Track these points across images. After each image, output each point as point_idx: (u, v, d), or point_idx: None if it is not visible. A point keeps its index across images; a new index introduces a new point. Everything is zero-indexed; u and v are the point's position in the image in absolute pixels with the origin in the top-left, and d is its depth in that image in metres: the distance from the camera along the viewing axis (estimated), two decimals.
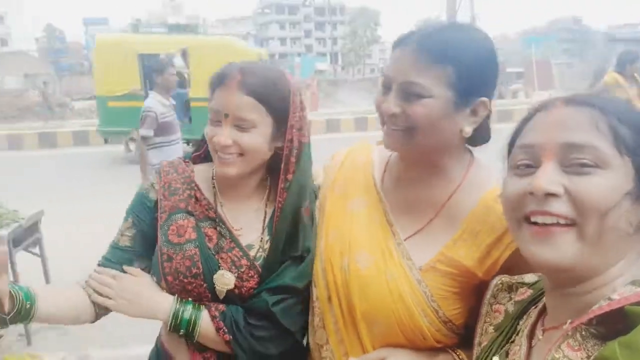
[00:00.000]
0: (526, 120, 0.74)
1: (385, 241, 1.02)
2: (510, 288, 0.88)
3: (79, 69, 43.29)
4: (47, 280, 3.63)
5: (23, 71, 29.55)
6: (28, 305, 1.00)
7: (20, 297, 0.99)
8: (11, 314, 0.97)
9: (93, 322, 1.18)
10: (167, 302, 1.12)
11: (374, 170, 1.12)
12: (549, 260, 0.65)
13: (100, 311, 1.16)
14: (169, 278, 1.13)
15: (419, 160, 1.03)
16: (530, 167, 0.69)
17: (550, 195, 0.64)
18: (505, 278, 0.90)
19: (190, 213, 1.16)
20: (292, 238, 1.14)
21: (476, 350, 0.87)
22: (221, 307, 1.13)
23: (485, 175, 1.02)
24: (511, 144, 0.75)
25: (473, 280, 0.97)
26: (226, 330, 1.10)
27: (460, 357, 1.00)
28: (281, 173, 1.15)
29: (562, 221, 0.64)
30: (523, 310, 0.81)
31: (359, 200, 1.10)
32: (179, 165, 1.24)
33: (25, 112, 19.49)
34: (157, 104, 4.55)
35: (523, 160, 0.70)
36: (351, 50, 50.85)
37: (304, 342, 1.19)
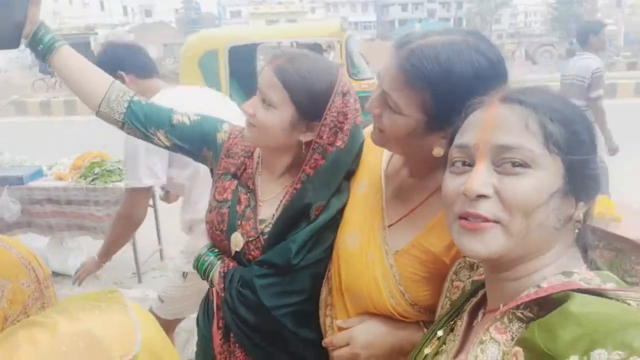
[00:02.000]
0: (464, 118, 0.75)
1: (373, 224, 1.08)
2: (472, 267, 0.92)
3: None
4: (158, 229, 4.16)
5: (163, 41, 32.62)
6: (47, 43, 1.24)
7: (42, 32, 1.23)
8: (28, 39, 1.23)
9: (94, 111, 1.31)
10: (199, 246, 1.31)
11: (383, 154, 1.16)
12: (477, 252, 0.68)
13: (100, 109, 1.29)
14: (207, 226, 1.31)
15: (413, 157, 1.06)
16: (466, 164, 0.71)
17: (481, 196, 0.67)
18: (468, 258, 0.92)
19: (235, 176, 1.30)
20: (291, 227, 1.19)
21: None
22: (232, 265, 1.26)
23: None
24: (451, 140, 0.77)
25: (441, 266, 0.99)
26: (222, 287, 1.24)
27: None
28: (303, 163, 1.19)
29: (490, 220, 0.67)
30: (476, 289, 0.84)
31: (364, 182, 1.16)
32: None
33: (163, 79, 21.63)
34: (601, 63, 4.11)
35: (459, 159, 0.72)
36: (477, 14, 47.69)
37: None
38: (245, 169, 1.31)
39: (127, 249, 3.67)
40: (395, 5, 64.33)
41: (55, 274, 3.82)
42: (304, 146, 1.18)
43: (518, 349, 0.61)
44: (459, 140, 0.74)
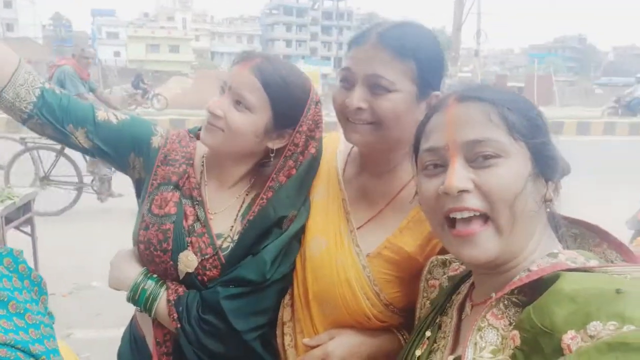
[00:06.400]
0: (425, 122, 0.78)
1: (339, 228, 1.08)
2: (444, 264, 0.95)
3: None
4: (36, 260, 3.69)
5: (27, 57, 29.46)
6: None
7: None
8: None
9: None
10: (133, 274, 1.11)
11: (337, 161, 1.18)
12: (474, 257, 0.70)
13: (3, 95, 1.02)
14: (141, 246, 1.12)
15: (378, 155, 1.08)
16: (438, 166, 0.73)
17: (462, 191, 0.69)
18: (440, 256, 0.96)
19: (177, 187, 1.13)
20: (261, 239, 1.09)
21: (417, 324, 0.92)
22: (181, 290, 1.09)
23: None
24: (415, 147, 0.80)
25: (415, 265, 1.02)
26: (176, 317, 1.06)
27: (404, 336, 1.06)
28: (273, 172, 1.11)
29: (477, 214, 0.69)
30: (455, 285, 0.87)
31: (320, 189, 1.16)
32: (184, 137, 1.20)
33: None
34: None
35: (430, 162, 0.74)
36: None
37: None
38: (188, 178, 1.15)
39: None
40: (280, 41, 66.26)
41: None
42: (272, 154, 1.13)
43: (515, 332, 0.62)
44: (426, 144, 0.75)
